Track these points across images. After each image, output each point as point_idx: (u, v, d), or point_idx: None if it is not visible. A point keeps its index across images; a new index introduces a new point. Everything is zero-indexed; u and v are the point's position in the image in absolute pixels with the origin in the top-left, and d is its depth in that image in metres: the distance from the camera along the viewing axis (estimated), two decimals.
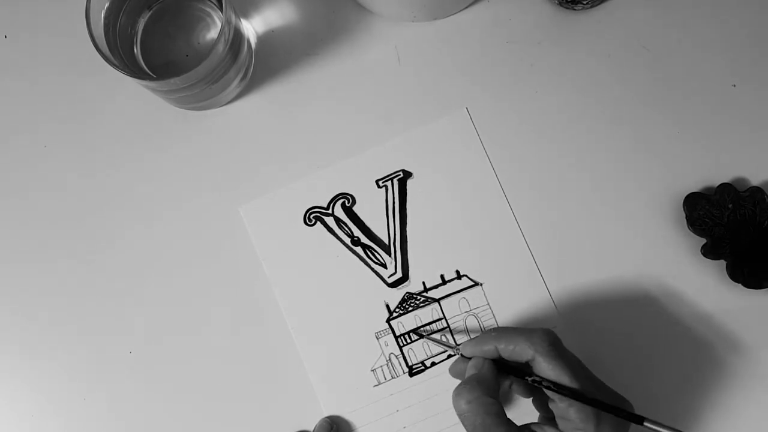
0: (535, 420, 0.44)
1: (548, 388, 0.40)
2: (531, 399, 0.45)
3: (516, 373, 0.41)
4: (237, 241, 0.50)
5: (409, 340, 0.49)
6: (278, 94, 0.51)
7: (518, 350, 0.41)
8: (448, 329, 0.49)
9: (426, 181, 0.50)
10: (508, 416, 0.40)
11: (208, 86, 0.46)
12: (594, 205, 0.49)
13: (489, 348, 0.42)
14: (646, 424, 0.38)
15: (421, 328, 0.49)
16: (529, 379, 0.40)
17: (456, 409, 0.41)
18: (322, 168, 0.50)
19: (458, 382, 0.42)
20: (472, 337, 0.49)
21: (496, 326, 0.47)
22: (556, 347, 0.40)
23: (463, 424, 0.40)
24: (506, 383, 0.43)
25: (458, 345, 0.44)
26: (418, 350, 0.49)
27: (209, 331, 0.49)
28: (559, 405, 0.40)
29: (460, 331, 0.49)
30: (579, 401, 0.39)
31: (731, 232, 0.48)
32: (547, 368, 0.40)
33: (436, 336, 0.48)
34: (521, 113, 0.50)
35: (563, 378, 0.39)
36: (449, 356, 0.48)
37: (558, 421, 0.40)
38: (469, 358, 0.43)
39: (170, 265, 0.50)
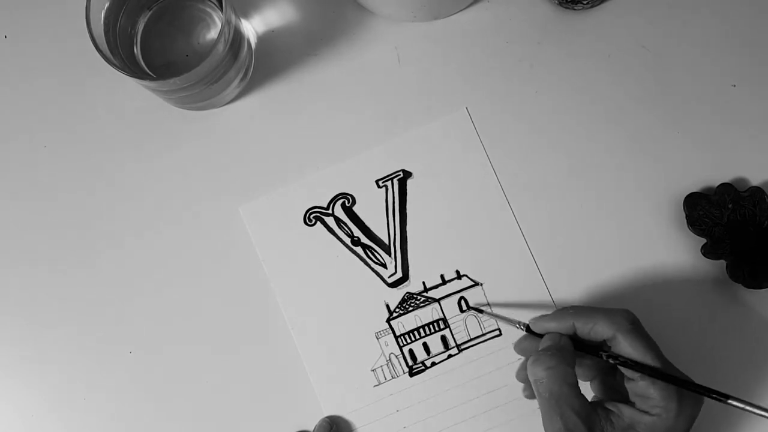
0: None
1: (631, 366, 0.39)
2: (590, 382, 0.45)
3: (593, 352, 0.41)
4: (237, 241, 0.50)
5: (409, 340, 0.49)
6: (278, 94, 0.51)
7: (597, 329, 0.40)
8: (448, 329, 0.49)
9: (426, 181, 0.50)
10: None
11: (208, 86, 0.46)
12: (594, 204, 0.49)
13: (565, 325, 0.42)
14: (730, 402, 0.38)
15: (478, 306, 0.48)
16: (605, 355, 0.40)
17: (532, 376, 0.40)
18: (322, 168, 0.50)
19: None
20: (472, 336, 0.49)
21: (571, 305, 0.46)
22: (637, 326, 0.40)
23: (536, 390, 0.40)
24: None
25: (520, 322, 0.44)
26: (419, 350, 0.49)
27: (209, 330, 0.49)
28: (639, 383, 0.39)
29: (459, 331, 0.49)
30: (662, 380, 0.39)
31: (731, 232, 0.48)
32: (628, 347, 0.39)
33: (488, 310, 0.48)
34: (521, 113, 0.50)
35: (647, 357, 0.39)
36: (449, 356, 0.48)
37: (635, 399, 0.40)
38: (538, 335, 0.43)
39: (170, 264, 0.50)
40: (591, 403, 0.40)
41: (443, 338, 0.49)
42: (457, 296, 0.49)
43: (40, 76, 0.51)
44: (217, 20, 0.47)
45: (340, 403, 0.48)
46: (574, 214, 0.49)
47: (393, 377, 0.48)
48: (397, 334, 0.49)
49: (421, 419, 0.48)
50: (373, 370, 0.48)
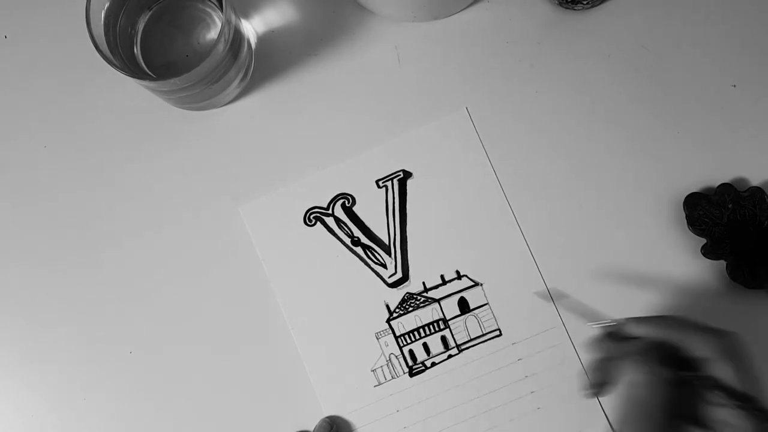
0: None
1: (729, 393, 0.37)
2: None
3: (685, 366, 0.38)
4: (237, 241, 0.50)
5: (409, 341, 0.49)
6: (278, 94, 0.51)
7: (701, 346, 0.38)
8: (448, 329, 0.49)
9: (426, 181, 0.50)
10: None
11: (208, 86, 0.46)
12: (594, 204, 0.49)
13: (666, 332, 0.39)
14: None
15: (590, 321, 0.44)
16: (701, 378, 0.37)
17: (633, 374, 0.38)
18: (322, 168, 0.50)
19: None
20: (472, 337, 0.49)
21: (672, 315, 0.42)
22: (744, 355, 0.38)
23: (630, 392, 0.37)
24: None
25: (615, 320, 0.41)
26: (419, 350, 0.49)
27: (209, 330, 0.49)
28: (732, 411, 0.36)
29: (459, 331, 0.49)
30: (756, 413, 0.36)
31: (731, 232, 0.48)
32: (729, 374, 0.37)
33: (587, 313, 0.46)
34: (521, 113, 0.50)
35: (749, 388, 0.37)
36: (449, 356, 0.48)
37: (716, 425, 0.37)
38: (628, 338, 0.40)
39: (170, 264, 0.50)
40: (674, 421, 0.38)
41: (443, 338, 0.49)
42: (457, 296, 0.49)
43: (40, 76, 0.51)
44: (217, 20, 0.47)
45: (340, 403, 0.48)
46: (574, 214, 0.49)
47: (393, 377, 0.48)
48: (397, 334, 0.49)
49: (421, 419, 0.48)
50: (373, 371, 0.48)
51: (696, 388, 0.39)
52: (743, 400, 0.37)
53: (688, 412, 0.39)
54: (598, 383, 0.41)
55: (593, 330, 0.43)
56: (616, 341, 0.41)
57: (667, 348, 0.39)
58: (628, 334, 0.40)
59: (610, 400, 0.47)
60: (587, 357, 0.44)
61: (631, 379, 0.38)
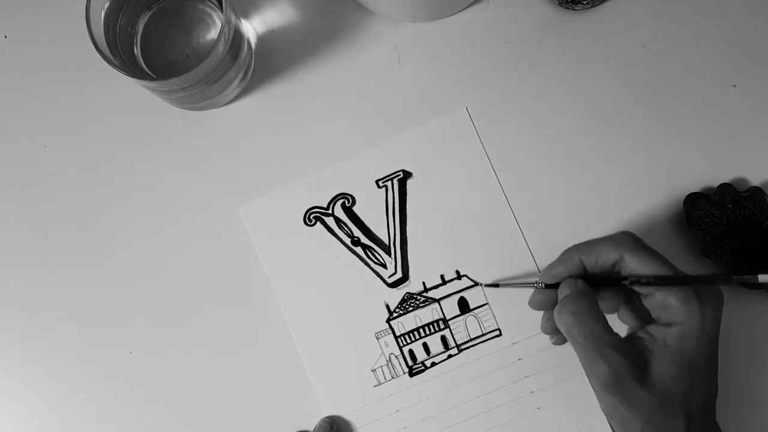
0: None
1: (645, 283, 0.39)
2: (616, 314, 0.45)
3: (608, 281, 0.41)
4: (237, 241, 0.50)
5: (409, 340, 0.49)
6: (278, 94, 0.51)
7: (603, 256, 0.41)
8: (447, 329, 0.49)
9: (426, 181, 0.50)
10: None
11: (208, 86, 0.46)
12: (594, 204, 0.49)
13: (573, 265, 0.42)
14: (761, 279, 0.39)
15: (503, 281, 0.48)
16: (626, 282, 0.40)
17: (561, 325, 0.41)
18: (322, 168, 0.50)
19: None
20: (472, 336, 0.49)
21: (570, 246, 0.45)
22: (639, 243, 0.41)
23: (571, 339, 0.40)
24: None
25: (526, 281, 0.45)
26: (419, 350, 0.49)
27: (209, 330, 0.49)
28: (656, 297, 0.40)
29: (459, 331, 0.49)
30: (675, 284, 0.39)
31: (731, 232, 0.48)
32: (636, 264, 0.40)
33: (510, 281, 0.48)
34: (521, 113, 0.50)
35: (656, 267, 0.39)
36: (449, 356, 0.48)
37: (658, 315, 0.40)
38: (552, 286, 0.43)
39: (170, 265, 0.50)
40: (625, 337, 0.40)
41: (443, 338, 0.49)
42: (457, 296, 0.49)
43: (40, 76, 0.51)
44: (217, 20, 0.47)
45: (340, 403, 0.48)
46: (574, 214, 0.49)
47: (393, 377, 0.48)
48: (397, 334, 0.49)
49: (421, 419, 0.48)
50: (373, 370, 0.48)
51: (625, 295, 0.43)
52: (658, 282, 0.39)
53: (633, 316, 0.43)
54: (551, 332, 0.45)
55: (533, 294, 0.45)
56: (544, 294, 0.43)
57: (584, 277, 0.42)
58: (551, 281, 0.43)
59: None
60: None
61: (563, 323, 0.40)
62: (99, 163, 0.51)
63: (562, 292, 0.42)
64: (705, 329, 0.39)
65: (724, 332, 0.48)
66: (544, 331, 0.46)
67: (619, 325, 0.44)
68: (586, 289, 0.41)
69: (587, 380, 0.45)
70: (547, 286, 0.43)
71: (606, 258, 0.41)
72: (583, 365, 0.40)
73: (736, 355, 0.48)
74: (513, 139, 0.50)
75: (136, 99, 0.50)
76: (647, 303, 0.41)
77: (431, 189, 0.50)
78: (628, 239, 0.41)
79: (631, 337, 0.41)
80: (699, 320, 0.38)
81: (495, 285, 0.48)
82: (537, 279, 0.44)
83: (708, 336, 0.39)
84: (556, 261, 0.43)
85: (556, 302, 0.42)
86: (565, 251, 0.43)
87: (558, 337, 0.45)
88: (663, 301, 0.39)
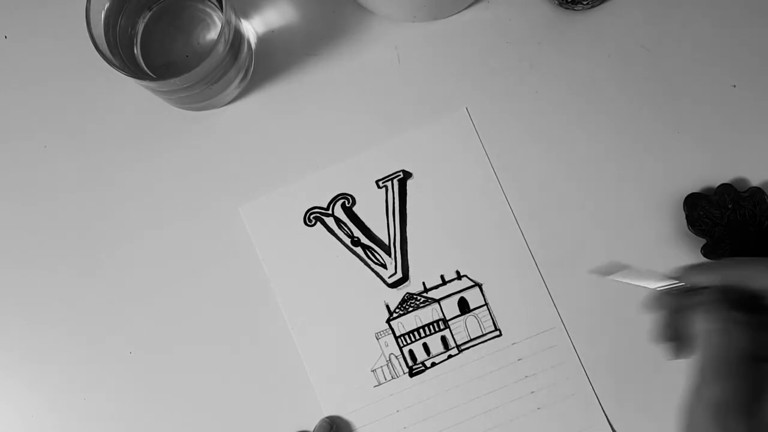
0: None
1: None
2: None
3: (760, 308, 0.35)
4: (237, 241, 0.50)
5: (409, 341, 0.49)
6: (278, 94, 0.51)
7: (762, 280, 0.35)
8: (448, 329, 0.49)
9: (426, 181, 0.50)
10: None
11: (208, 86, 0.46)
12: (594, 204, 0.49)
13: (731, 276, 0.36)
14: None
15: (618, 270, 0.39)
16: None
17: (705, 323, 0.34)
18: (322, 168, 0.50)
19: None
20: (472, 337, 0.49)
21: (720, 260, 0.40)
22: None
23: (705, 343, 0.34)
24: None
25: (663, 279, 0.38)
26: (419, 351, 0.49)
27: (209, 330, 0.49)
28: None
29: (459, 332, 0.49)
30: None
31: (731, 232, 0.48)
32: None
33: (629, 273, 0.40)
34: (521, 113, 0.50)
35: None
36: (449, 357, 0.48)
37: None
38: (692, 290, 0.37)
39: (170, 265, 0.50)
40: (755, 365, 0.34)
41: (443, 339, 0.49)
42: (457, 296, 0.49)
43: (40, 76, 0.51)
44: (217, 20, 0.47)
45: (340, 403, 0.48)
46: (574, 215, 0.49)
47: (393, 377, 0.48)
48: (397, 334, 0.49)
49: (421, 419, 0.48)
50: (373, 371, 0.48)
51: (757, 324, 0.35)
52: None
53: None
54: (672, 340, 0.38)
55: (660, 292, 0.39)
56: (681, 295, 0.37)
57: (737, 291, 0.35)
58: (693, 284, 0.37)
59: (615, 398, 0.47)
60: (654, 317, 0.39)
61: (705, 328, 0.34)
62: (99, 163, 0.51)
63: (712, 295, 0.35)
64: None
65: None
66: (662, 337, 0.39)
67: None
68: (737, 302, 0.35)
69: (587, 380, 0.45)
70: (684, 291, 0.37)
71: (763, 282, 0.35)
72: (698, 378, 0.34)
73: None
74: (513, 139, 0.50)
75: (136, 99, 0.50)
76: None
77: (431, 189, 0.50)
78: None
79: (762, 368, 0.34)
80: None
81: (608, 272, 0.39)
82: (679, 276, 0.38)
83: None
84: (710, 264, 0.37)
85: (683, 309, 0.36)
86: (717, 262, 0.37)
87: (678, 350, 0.38)
88: None
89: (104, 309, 0.49)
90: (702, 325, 0.35)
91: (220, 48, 0.43)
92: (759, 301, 0.35)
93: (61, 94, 0.51)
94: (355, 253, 0.49)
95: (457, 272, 0.49)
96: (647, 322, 0.47)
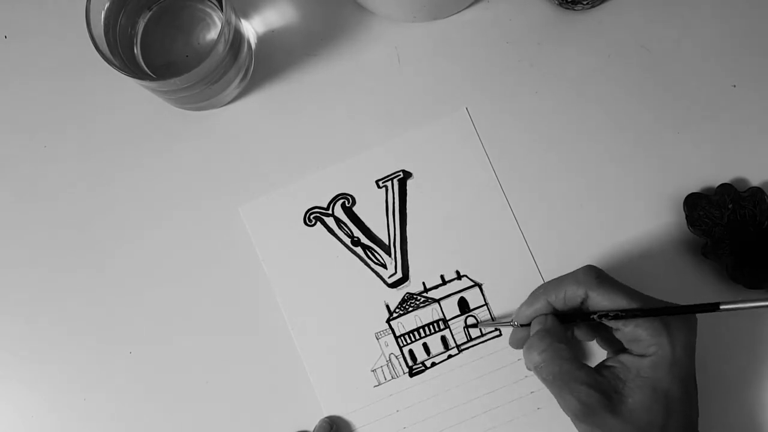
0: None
1: (613, 317, 0.39)
2: (595, 340, 0.45)
3: (578, 317, 0.41)
4: (237, 241, 0.50)
5: (409, 341, 0.49)
6: (278, 94, 0.51)
7: (569, 295, 0.41)
8: (448, 329, 0.49)
9: (426, 181, 0.50)
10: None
11: (208, 86, 0.46)
12: (594, 205, 0.49)
13: (541, 305, 0.42)
14: (722, 307, 0.37)
15: (472, 322, 0.49)
16: (595, 316, 0.40)
17: (529, 363, 0.41)
18: (322, 168, 0.50)
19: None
20: (472, 337, 0.49)
21: (540, 284, 0.46)
22: (602, 278, 0.41)
23: (540, 376, 0.41)
24: (567, 333, 0.43)
25: (503, 320, 0.45)
26: (419, 350, 0.49)
27: (209, 331, 0.49)
28: (625, 331, 0.40)
29: (459, 332, 0.49)
30: (641, 316, 0.39)
31: (731, 232, 0.48)
32: (602, 300, 0.40)
33: (483, 320, 0.49)
34: (521, 113, 0.50)
35: (620, 302, 0.39)
36: (449, 356, 0.48)
37: (630, 346, 0.40)
38: (527, 325, 0.43)
39: (170, 265, 0.50)
40: (595, 368, 0.41)
41: (443, 338, 0.49)
42: (457, 296, 0.49)
43: (40, 76, 0.51)
44: (217, 20, 0.47)
45: (340, 403, 0.48)
46: (573, 215, 0.49)
47: (393, 377, 0.48)
48: (397, 334, 0.49)
49: (421, 419, 0.48)
50: (373, 371, 0.48)
51: (597, 324, 0.42)
52: (623, 316, 0.39)
53: (609, 343, 0.44)
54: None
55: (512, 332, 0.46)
56: (522, 332, 0.44)
57: (556, 313, 0.42)
58: (523, 322, 0.43)
59: None
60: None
61: (535, 361, 0.41)
62: (99, 162, 0.51)
63: (533, 329, 0.42)
64: (676, 360, 0.39)
65: (725, 332, 0.48)
66: (527, 368, 0.45)
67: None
68: (555, 326, 0.42)
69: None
70: (522, 325, 0.44)
71: (572, 296, 0.41)
72: (557, 401, 0.41)
73: (736, 354, 0.48)
74: (513, 139, 0.50)
75: (136, 99, 0.50)
76: (618, 335, 0.41)
77: (431, 189, 0.50)
78: (592, 275, 0.41)
79: (605, 365, 0.41)
80: (669, 351, 0.38)
81: (474, 326, 0.48)
82: (512, 318, 0.45)
83: (681, 366, 0.39)
84: (525, 302, 0.43)
85: None
86: (533, 292, 0.43)
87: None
88: (633, 335, 0.39)
89: (104, 309, 0.49)
90: (527, 360, 0.42)
91: (220, 48, 0.43)
92: (571, 306, 0.42)
93: (61, 94, 0.51)
94: (355, 253, 0.49)
95: (457, 272, 0.49)
96: None
